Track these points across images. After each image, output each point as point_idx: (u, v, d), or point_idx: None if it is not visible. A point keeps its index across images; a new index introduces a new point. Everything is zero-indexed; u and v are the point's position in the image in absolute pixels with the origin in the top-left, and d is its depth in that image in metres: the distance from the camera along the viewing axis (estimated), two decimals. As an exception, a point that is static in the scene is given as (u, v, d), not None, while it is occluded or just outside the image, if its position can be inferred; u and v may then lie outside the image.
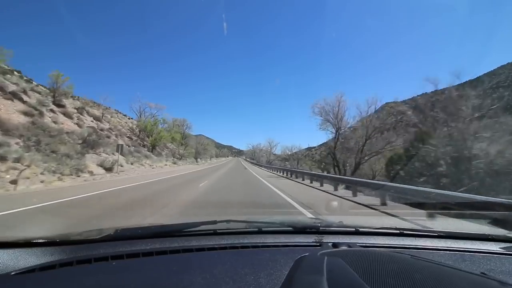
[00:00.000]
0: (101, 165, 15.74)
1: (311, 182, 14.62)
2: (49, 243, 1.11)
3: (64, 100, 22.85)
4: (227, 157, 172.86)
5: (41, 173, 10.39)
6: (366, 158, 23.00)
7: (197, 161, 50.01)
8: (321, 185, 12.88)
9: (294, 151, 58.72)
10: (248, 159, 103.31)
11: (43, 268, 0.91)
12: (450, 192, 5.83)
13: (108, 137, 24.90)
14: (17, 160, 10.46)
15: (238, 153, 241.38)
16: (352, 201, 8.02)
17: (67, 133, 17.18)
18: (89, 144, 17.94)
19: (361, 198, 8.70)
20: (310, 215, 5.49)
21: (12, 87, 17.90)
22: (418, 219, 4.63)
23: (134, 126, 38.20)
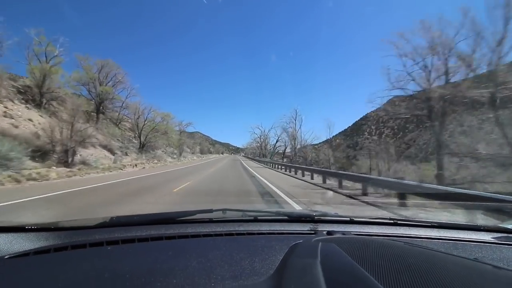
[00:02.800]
0: None
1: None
2: (44, 229, 1.11)
3: None
4: (221, 154, 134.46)
5: None
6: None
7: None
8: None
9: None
10: (249, 156, 73.66)
11: (37, 252, 0.91)
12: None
13: None
14: None
15: (236, 150, 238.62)
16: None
17: None
18: None
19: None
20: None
21: None
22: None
23: None
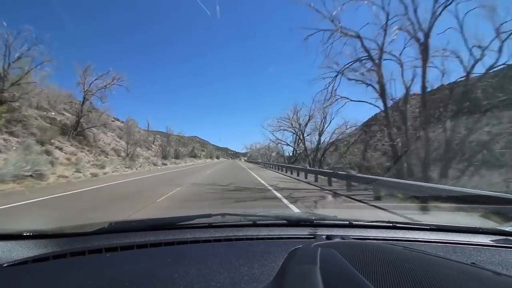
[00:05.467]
0: None
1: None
2: (43, 235, 1.10)
3: None
4: (215, 158, 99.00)
5: None
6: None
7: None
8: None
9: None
10: (272, 163, 33.56)
11: (36, 260, 0.91)
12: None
13: None
14: None
15: (234, 155, 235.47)
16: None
17: None
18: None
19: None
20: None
21: None
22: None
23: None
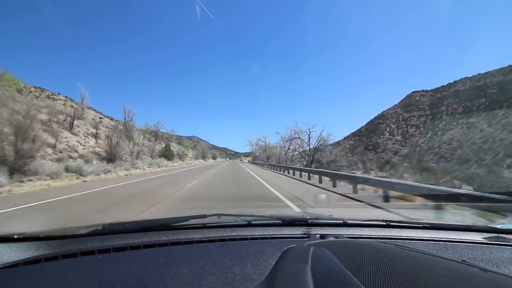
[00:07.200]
0: None
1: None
2: (34, 238, 1.09)
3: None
4: (211, 159, 79.94)
5: None
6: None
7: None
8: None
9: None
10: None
11: (27, 262, 0.90)
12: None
13: None
14: None
15: (234, 155, 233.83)
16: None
17: None
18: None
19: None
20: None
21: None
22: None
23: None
